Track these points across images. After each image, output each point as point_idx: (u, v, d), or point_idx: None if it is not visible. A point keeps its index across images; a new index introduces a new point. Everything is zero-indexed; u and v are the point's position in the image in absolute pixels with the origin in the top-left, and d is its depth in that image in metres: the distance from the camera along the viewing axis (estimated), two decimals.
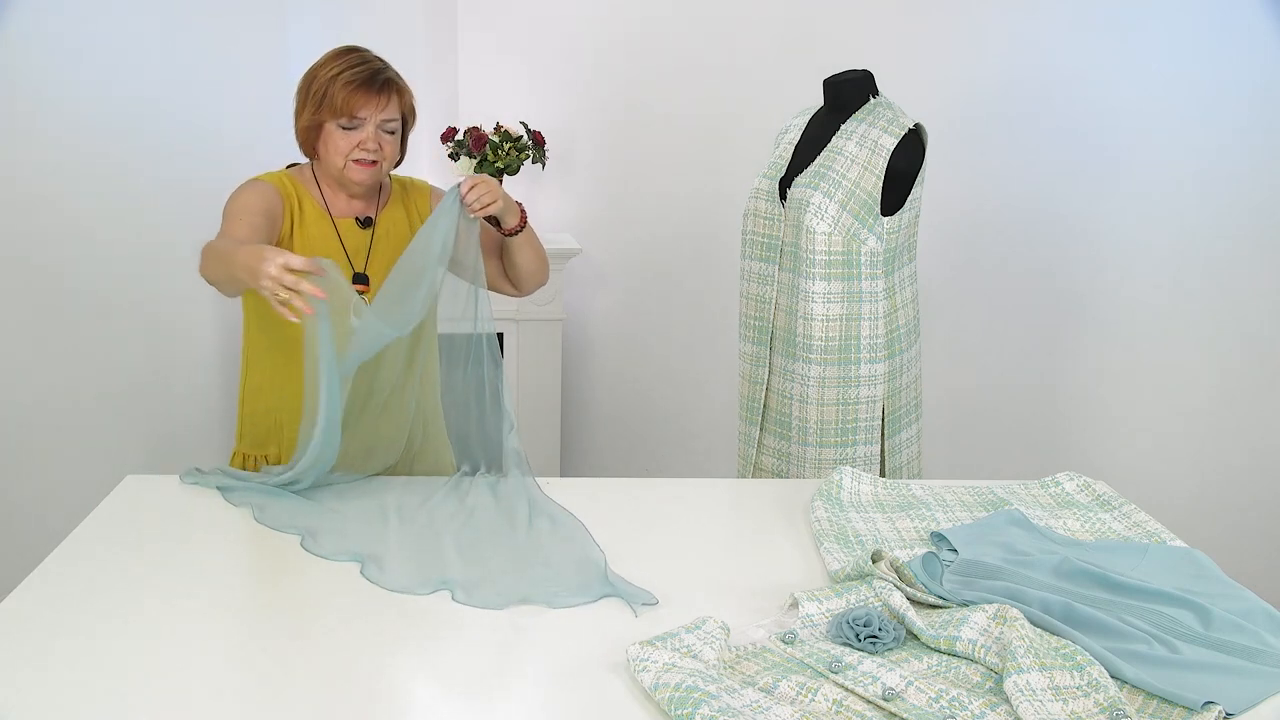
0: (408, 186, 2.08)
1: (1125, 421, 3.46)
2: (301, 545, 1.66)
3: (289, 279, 1.56)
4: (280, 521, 1.74)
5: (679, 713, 1.16)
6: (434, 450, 2.05)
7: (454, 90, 3.56)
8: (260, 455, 2.01)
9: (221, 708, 1.23)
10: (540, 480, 1.89)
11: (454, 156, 3.42)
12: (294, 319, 1.60)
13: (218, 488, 1.85)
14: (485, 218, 1.90)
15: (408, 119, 1.98)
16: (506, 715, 1.26)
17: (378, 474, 1.96)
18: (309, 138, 1.94)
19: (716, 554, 1.74)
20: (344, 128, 1.89)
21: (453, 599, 1.49)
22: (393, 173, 2.06)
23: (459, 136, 3.42)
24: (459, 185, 1.85)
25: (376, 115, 1.90)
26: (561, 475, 3.49)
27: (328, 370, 1.69)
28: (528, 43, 3.55)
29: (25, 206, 3.11)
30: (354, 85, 1.88)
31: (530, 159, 3.41)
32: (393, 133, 1.94)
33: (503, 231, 1.96)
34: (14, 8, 3.00)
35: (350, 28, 3.33)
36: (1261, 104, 3.22)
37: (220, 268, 1.76)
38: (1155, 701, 1.24)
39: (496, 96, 3.53)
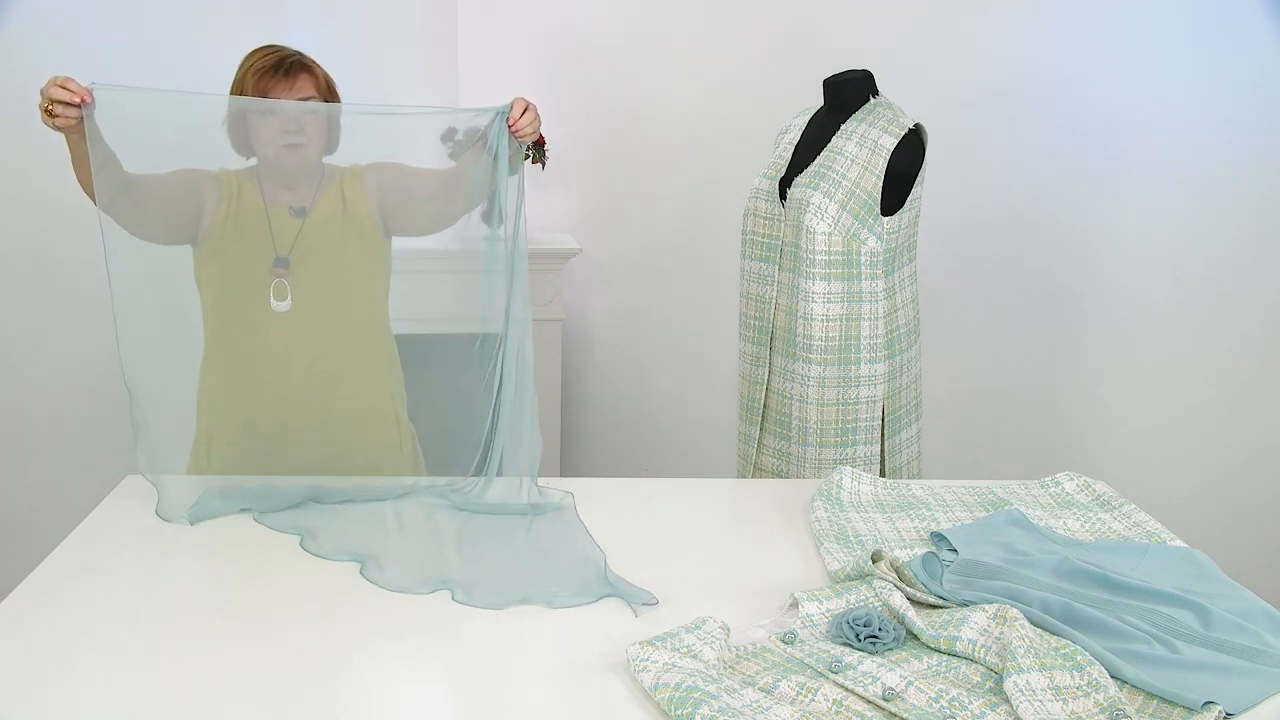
0: (345, 174, 2.08)
1: (1125, 421, 3.46)
2: (301, 545, 1.66)
3: (56, 91, 1.69)
4: (280, 522, 1.74)
5: (679, 713, 1.16)
6: (388, 433, 2.08)
7: (454, 90, 3.55)
8: (210, 436, 2.01)
9: (221, 707, 1.23)
10: (540, 480, 1.89)
11: (454, 156, 3.42)
12: (54, 123, 1.72)
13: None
14: None
15: (329, 101, 1.99)
16: (506, 715, 1.26)
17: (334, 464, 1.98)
18: (237, 133, 1.96)
19: (716, 554, 1.74)
20: (264, 114, 1.92)
21: (453, 599, 1.50)
22: (334, 162, 2.06)
23: (459, 137, 3.41)
24: (508, 108, 1.90)
25: (292, 97, 1.93)
26: (561, 475, 3.49)
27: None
28: (527, 43, 3.54)
29: (25, 206, 3.11)
30: (263, 71, 1.93)
31: (530, 159, 3.41)
32: (313, 113, 1.95)
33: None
34: (14, 8, 3.00)
35: (350, 28, 3.34)
36: (1261, 104, 3.22)
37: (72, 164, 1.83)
38: (1155, 701, 1.24)
39: (496, 96, 3.52)
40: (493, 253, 1.91)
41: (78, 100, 1.69)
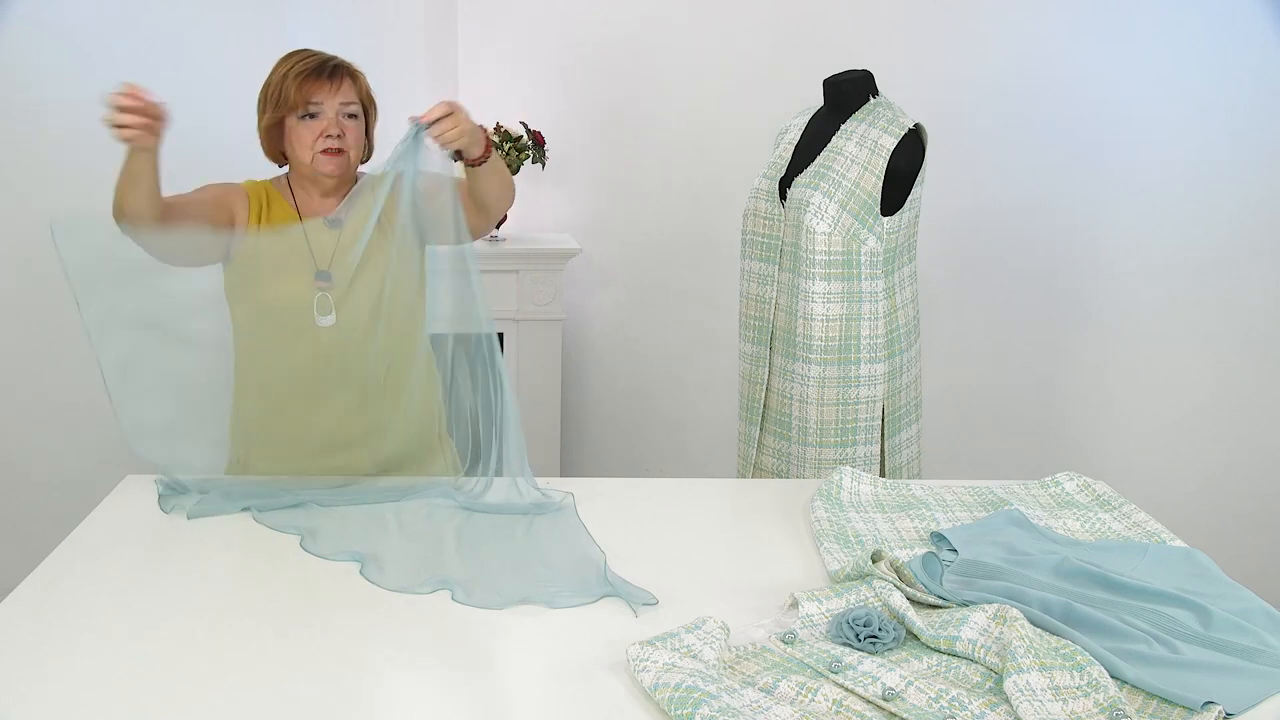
0: (376, 180, 2.04)
1: (1125, 421, 3.46)
2: (301, 545, 1.66)
3: (121, 101, 1.62)
4: (280, 521, 1.73)
5: (679, 713, 1.16)
6: (432, 446, 2.04)
7: (454, 90, 3.56)
8: (246, 460, 1.98)
9: (221, 707, 1.23)
10: (540, 480, 1.89)
11: (454, 157, 3.42)
12: (125, 135, 1.65)
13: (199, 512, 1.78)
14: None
15: (368, 108, 1.96)
16: (506, 715, 1.26)
17: (382, 472, 1.96)
18: (273, 139, 1.93)
19: (716, 554, 1.74)
20: (304, 118, 1.89)
21: (453, 599, 1.49)
22: (367, 170, 2.04)
23: None
24: (419, 118, 1.77)
25: (334, 100, 1.89)
26: (561, 475, 3.49)
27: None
28: (527, 43, 3.55)
29: (25, 205, 3.11)
30: (305, 74, 1.88)
31: (530, 159, 3.41)
32: (354, 117, 1.92)
33: (467, 162, 1.86)
34: (14, 8, 3.00)
35: (350, 28, 3.34)
36: (1261, 104, 3.22)
37: (119, 179, 1.74)
38: (1155, 701, 1.24)
39: (496, 96, 3.53)
40: (434, 253, 1.86)
41: (141, 105, 1.62)
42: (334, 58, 1.93)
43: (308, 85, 1.88)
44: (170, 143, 2.86)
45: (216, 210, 1.91)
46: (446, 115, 1.75)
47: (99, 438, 3.19)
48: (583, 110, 3.56)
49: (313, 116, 1.89)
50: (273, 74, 1.92)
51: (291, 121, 1.90)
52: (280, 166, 1.99)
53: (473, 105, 3.64)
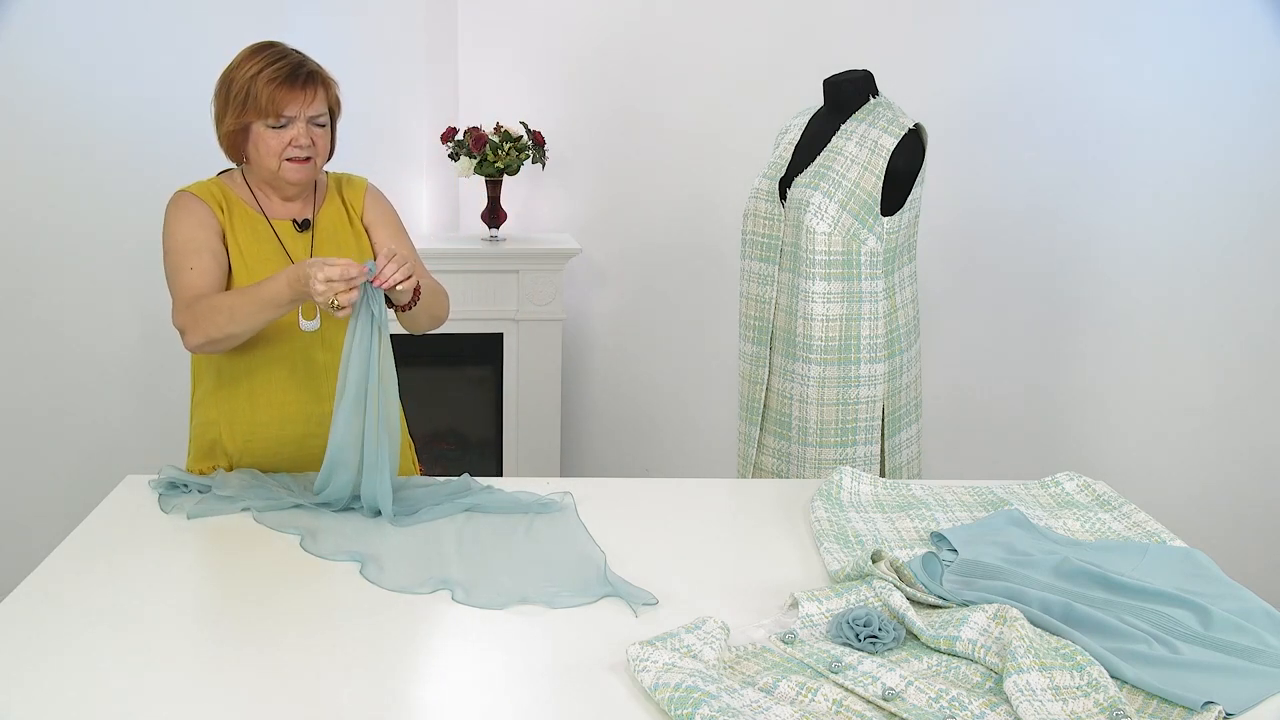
0: (343, 182, 2.03)
1: (1125, 421, 3.46)
2: (301, 545, 1.66)
3: (338, 286, 1.64)
4: (279, 521, 1.73)
5: (679, 713, 1.16)
6: (401, 450, 1.99)
7: (454, 90, 3.56)
8: (208, 468, 1.95)
9: (221, 707, 1.23)
10: (540, 480, 1.89)
11: (454, 156, 3.42)
12: (346, 315, 1.68)
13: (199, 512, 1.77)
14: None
15: (335, 111, 1.94)
16: (506, 715, 1.26)
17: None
18: (235, 142, 1.89)
19: (716, 554, 1.74)
20: (272, 127, 1.85)
21: (453, 599, 1.49)
22: (327, 168, 2.02)
23: (459, 136, 3.42)
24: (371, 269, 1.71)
25: (305, 111, 1.85)
26: (561, 475, 3.49)
27: (357, 376, 1.73)
28: (527, 43, 3.55)
29: (25, 205, 3.11)
30: (278, 82, 1.83)
31: (530, 159, 3.41)
32: (323, 126, 1.89)
33: (394, 307, 1.84)
34: (14, 7, 3.00)
35: (350, 28, 3.34)
36: (1261, 104, 3.22)
37: (243, 315, 1.75)
38: (1155, 701, 1.24)
39: (496, 96, 3.53)
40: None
41: (354, 275, 1.64)
42: (305, 61, 1.88)
43: (280, 94, 1.83)
44: (170, 143, 2.86)
45: (219, 256, 1.88)
46: (397, 260, 1.72)
47: (98, 438, 3.21)
48: (583, 110, 3.56)
49: (282, 126, 1.85)
50: (237, 70, 1.86)
51: (259, 127, 1.85)
52: (236, 164, 1.96)
53: (473, 105, 3.67)
